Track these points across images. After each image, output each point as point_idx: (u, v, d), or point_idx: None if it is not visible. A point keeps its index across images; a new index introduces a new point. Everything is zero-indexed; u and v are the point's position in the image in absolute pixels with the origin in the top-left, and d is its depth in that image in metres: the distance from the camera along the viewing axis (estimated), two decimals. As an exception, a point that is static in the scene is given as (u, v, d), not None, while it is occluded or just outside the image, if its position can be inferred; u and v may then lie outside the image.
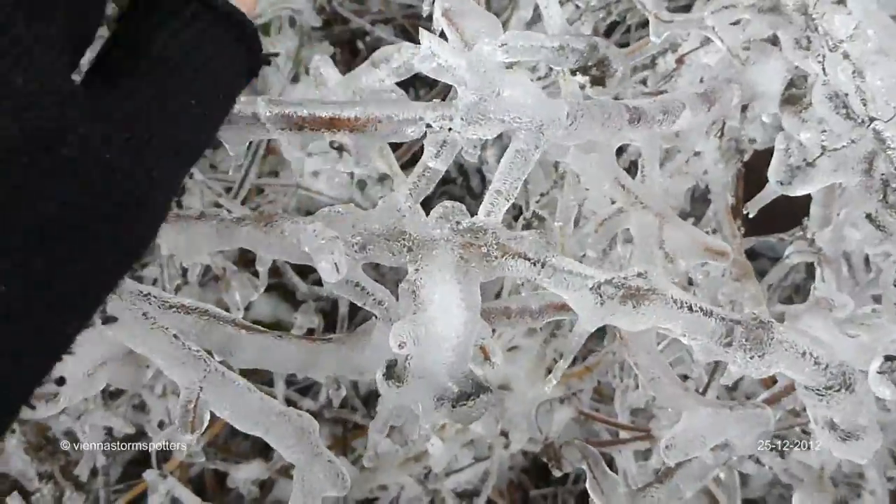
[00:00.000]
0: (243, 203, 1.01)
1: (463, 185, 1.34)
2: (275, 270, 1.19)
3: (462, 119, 0.40)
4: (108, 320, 0.38)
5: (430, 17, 0.48)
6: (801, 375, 0.41)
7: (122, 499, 0.93)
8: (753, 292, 0.60)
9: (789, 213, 0.75)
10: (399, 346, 0.37)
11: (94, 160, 0.28)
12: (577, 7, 0.74)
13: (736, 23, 0.59)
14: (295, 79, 1.16)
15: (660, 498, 0.51)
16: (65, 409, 0.43)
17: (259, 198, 1.12)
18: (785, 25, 0.51)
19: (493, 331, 0.69)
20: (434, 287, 0.38)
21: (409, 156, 0.91)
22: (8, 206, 0.25)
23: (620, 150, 0.82)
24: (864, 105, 0.45)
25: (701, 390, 0.72)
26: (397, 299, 0.41)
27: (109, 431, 0.92)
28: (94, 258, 0.29)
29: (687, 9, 0.79)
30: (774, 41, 0.56)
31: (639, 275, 0.38)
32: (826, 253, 0.65)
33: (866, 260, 0.69)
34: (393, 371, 0.38)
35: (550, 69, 0.72)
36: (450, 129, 0.41)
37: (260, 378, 1.03)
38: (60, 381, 0.39)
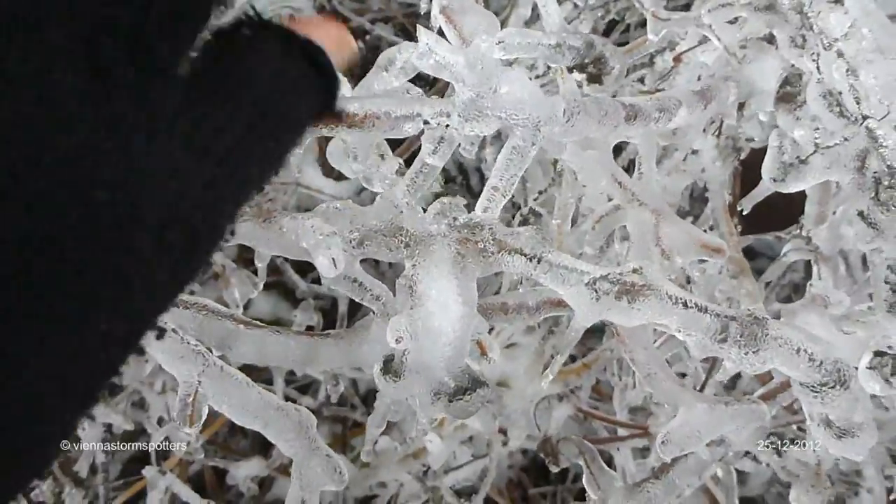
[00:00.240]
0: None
1: (462, 183, 1.34)
2: (274, 269, 1.19)
3: (459, 116, 0.40)
4: (161, 335, 0.38)
5: (428, 15, 0.48)
6: (796, 372, 0.42)
7: (121, 496, 0.93)
8: (750, 289, 0.60)
9: (787, 210, 0.75)
10: (396, 340, 0.37)
11: (174, 183, 0.27)
12: (576, 6, 0.74)
13: (733, 21, 0.60)
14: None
15: (656, 493, 0.51)
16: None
17: (259, 195, 1.12)
18: (781, 24, 0.52)
19: (492, 329, 0.69)
20: (431, 282, 0.38)
21: (409, 154, 0.91)
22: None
23: (619, 149, 0.83)
24: (858, 103, 0.46)
25: (698, 387, 0.73)
26: (395, 295, 0.41)
27: (109, 428, 0.92)
28: (153, 280, 0.28)
29: (686, 7, 0.79)
30: (771, 39, 0.56)
31: (634, 271, 0.39)
32: (822, 251, 0.65)
33: (864, 258, 0.70)
34: (390, 366, 0.38)
35: (548, 67, 0.72)
36: (447, 126, 0.41)
37: (259, 376, 1.03)
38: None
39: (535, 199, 0.71)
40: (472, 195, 1.39)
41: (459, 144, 0.45)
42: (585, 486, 0.52)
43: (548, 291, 0.47)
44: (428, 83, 1.21)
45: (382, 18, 1.38)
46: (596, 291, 0.38)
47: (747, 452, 0.67)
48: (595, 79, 0.51)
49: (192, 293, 0.50)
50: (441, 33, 0.44)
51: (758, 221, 0.83)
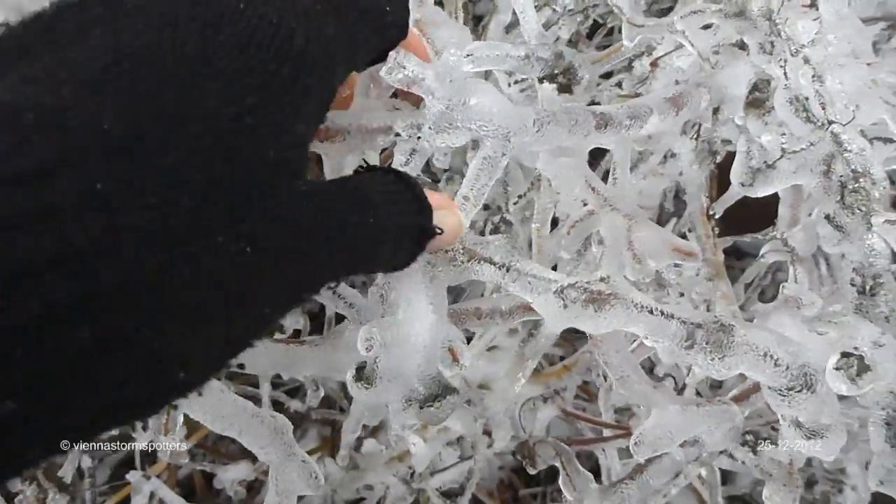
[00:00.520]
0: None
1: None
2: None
3: (430, 128, 0.41)
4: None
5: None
6: (762, 376, 0.42)
7: (108, 501, 0.94)
8: (725, 291, 0.61)
9: (767, 212, 0.76)
10: (366, 349, 0.38)
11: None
12: (555, 11, 0.74)
13: (709, 27, 0.61)
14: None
15: (630, 494, 0.52)
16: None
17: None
18: (750, 30, 0.53)
19: (472, 335, 0.70)
20: (401, 291, 0.39)
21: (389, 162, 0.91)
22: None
23: (602, 154, 0.83)
24: (823, 108, 0.46)
25: (679, 389, 0.73)
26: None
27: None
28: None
29: (669, 11, 0.80)
30: (743, 46, 0.57)
31: (602, 279, 0.39)
32: (799, 252, 0.66)
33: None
34: (362, 373, 0.39)
35: (528, 73, 0.73)
36: (419, 138, 0.42)
37: (246, 379, 1.04)
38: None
39: (514, 203, 0.72)
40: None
41: (433, 155, 0.46)
42: (562, 488, 0.52)
43: (520, 297, 0.47)
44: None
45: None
46: (564, 300, 0.39)
47: (723, 450, 0.67)
48: (565, 89, 0.52)
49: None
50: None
51: (737, 223, 0.84)
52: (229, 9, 0.29)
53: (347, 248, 0.33)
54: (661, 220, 0.97)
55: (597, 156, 0.67)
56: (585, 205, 0.54)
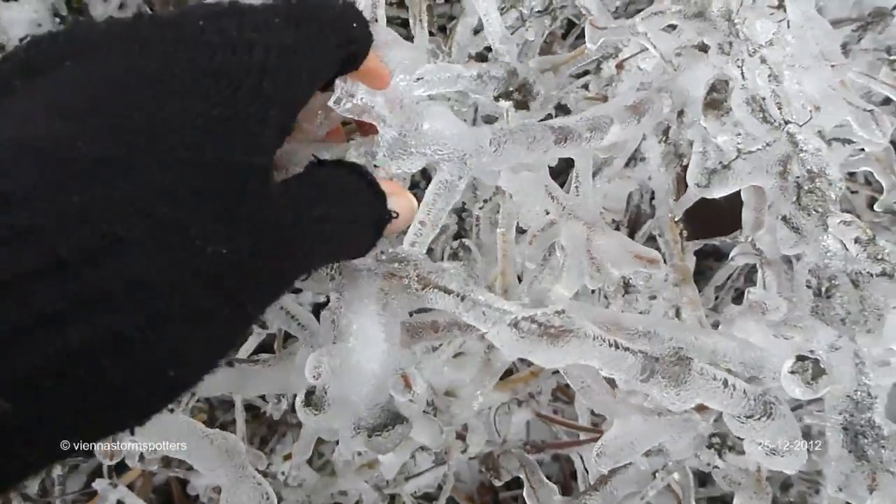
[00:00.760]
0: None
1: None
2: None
3: (384, 155, 0.40)
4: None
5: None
6: (721, 406, 0.41)
7: (79, 510, 0.93)
8: (691, 296, 0.61)
9: (735, 214, 0.76)
10: (314, 376, 0.37)
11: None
12: (521, 14, 0.74)
13: (672, 29, 0.60)
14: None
15: (595, 505, 0.51)
16: None
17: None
18: (710, 31, 0.52)
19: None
20: (353, 317, 0.38)
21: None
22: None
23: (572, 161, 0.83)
24: (780, 109, 0.46)
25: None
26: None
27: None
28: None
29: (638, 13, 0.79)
30: (705, 48, 0.56)
31: (557, 312, 0.39)
32: (766, 255, 0.65)
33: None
34: (311, 398, 0.38)
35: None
36: (375, 166, 0.41)
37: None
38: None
39: (480, 208, 0.71)
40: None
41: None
42: (526, 500, 0.52)
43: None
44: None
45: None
46: (518, 332, 0.38)
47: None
48: (522, 105, 0.51)
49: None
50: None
51: (714, 226, 0.83)
52: (190, 29, 0.31)
53: (318, 240, 0.35)
54: (638, 223, 0.97)
55: (570, 162, 0.66)
56: (548, 213, 0.54)
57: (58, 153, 0.26)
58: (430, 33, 0.80)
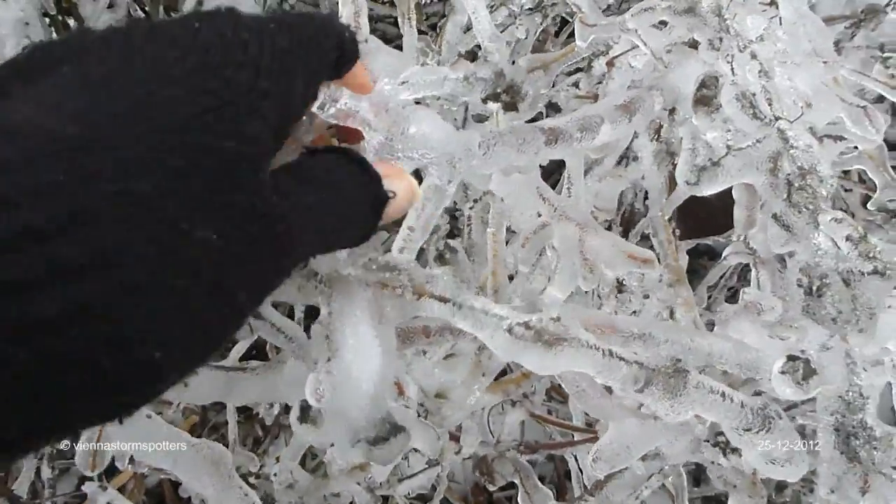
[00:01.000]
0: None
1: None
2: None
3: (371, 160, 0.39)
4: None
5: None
6: (718, 418, 0.41)
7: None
8: (686, 297, 0.60)
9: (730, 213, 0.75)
10: (317, 400, 0.36)
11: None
12: (511, 11, 0.73)
13: (663, 26, 0.59)
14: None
15: (589, 510, 0.51)
16: None
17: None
18: (700, 27, 0.51)
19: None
20: (347, 331, 0.38)
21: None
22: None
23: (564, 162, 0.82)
24: (770, 105, 0.45)
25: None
26: (308, 336, 0.40)
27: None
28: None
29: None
30: (695, 44, 0.56)
31: (552, 319, 0.38)
32: (760, 254, 0.65)
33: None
34: (307, 414, 0.38)
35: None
36: None
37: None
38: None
39: (471, 208, 0.70)
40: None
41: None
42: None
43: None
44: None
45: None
46: (514, 337, 0.37)
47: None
48: (510, 107, 0.51)
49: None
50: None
51: (702, 226, 0.83)
52: (185, 28, 0.32)
53: (313, 227, 0.34)
54: (631, 223, 0.96)
55: (562, 162, 0.65)
56: (540, 215, 0.53)
57: (37, 132, 0.26)
58: (422, 32, 0.79)
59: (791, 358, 0.42)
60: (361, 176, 0.38)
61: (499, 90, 0.50)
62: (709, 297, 0.93)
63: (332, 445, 0.39)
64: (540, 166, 0.55)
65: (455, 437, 0.83)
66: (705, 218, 0.74)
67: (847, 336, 0.47)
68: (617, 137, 0.51)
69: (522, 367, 0.77)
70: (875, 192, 0.71)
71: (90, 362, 0.25)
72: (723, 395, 0.39)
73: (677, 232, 0.65)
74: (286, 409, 1.08)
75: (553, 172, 0.85)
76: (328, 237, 0.36)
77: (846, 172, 0.89)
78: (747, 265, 0.72)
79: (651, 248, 0.67)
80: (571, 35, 1.07)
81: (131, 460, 0.77)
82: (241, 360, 0.56)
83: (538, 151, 0.44)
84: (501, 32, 0.68)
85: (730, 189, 0.56)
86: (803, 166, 0.47)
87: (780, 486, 0.89)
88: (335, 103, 0.38)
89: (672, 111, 0.59)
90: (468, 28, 0.81)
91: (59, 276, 0.24)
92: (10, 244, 0.24)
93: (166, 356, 0.27)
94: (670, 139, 0.64)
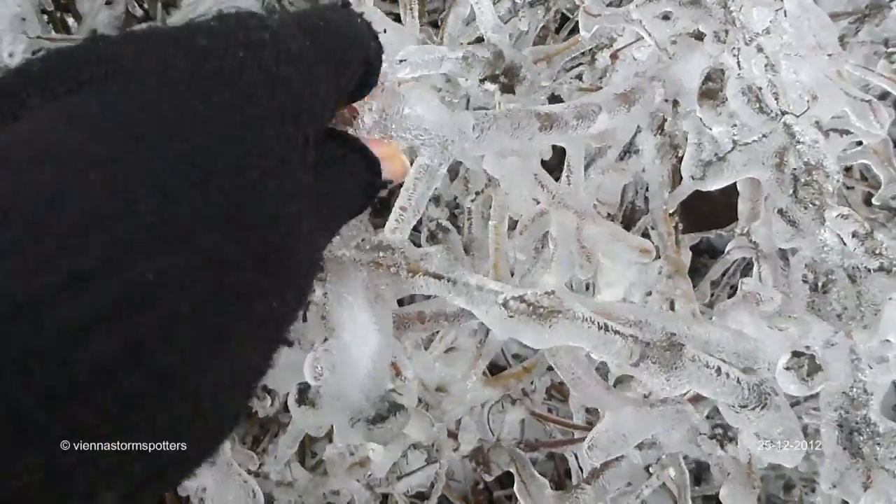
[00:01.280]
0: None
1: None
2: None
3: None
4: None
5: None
6: (714, 394, 0.40)
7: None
8: (685, 289, 0.60)
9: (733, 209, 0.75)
10: (315, 378, 0.36)
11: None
12: (514, 3, 0.73)
13: (668, 17, 0.59)
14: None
15: (586, 499, 0.50)
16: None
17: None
18: (706, 18, 0.51)
19: (434, 334, 0.68)
20: (343, 312, 0.37)
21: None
22: None
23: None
24: (777, 99, 0.45)
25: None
26: (304, 320, 0.40)
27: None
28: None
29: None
30: (701, 36, 0.55)
31: (547, 293, 0.38)
32: (763, 248, 0.64)
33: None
34: (305, 396, 0.38)
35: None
36: None
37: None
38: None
39: (472, 201, 0.70)
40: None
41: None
42: (517, 494, 0.51)
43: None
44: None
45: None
46: (508, 311, 0.37)
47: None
48: (508, 89, 0.50)
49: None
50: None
51: (705, 221, 0.82)
52: (227, 62, 0.31)
53: (325, 220, 0.34)
54: (633, 218, 0.96)
55: (563, 159, 0.65)
56: (538, 203, 0.53)
57: (70, 156, 0.25)
58: (423, 26, 0.78)
59: (796, 354, 0.42)
60: (362, 163, 0.37)
61: (497, 72, 0.50)
62: (711, 295, 0.92)
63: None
64: (542, 162, 0.55)
65: (453, 435, 0.83)
66: (708, 214, 0.73)
67: (852, 332, 0.47)
68: (615, 126, 0.50)
69: (522, 363, 0.77)
70: (877, 189, 0.71)
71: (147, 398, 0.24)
72: (718, 370, 0.38)
73: (680, 226, 0.65)
74: (284, 406, 1.07)
75: (554, 169, 0.84)
76: (333, 227, 0.36)
77: (848, 169, 0.89)
78: (750, 262, 0.72)
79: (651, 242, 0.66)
80: (572, 32, 1.07)
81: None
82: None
83: (532, 136, 0.43)
84: (504, 24, 0.68)
85: (733, 185, 0.56)
86: (810, 162, 0.46)
87: (788, 486, 0.88)
88: None
89: (676, 104, 0.59)
90: (470, 21, 0.81)
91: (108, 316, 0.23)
92: (69, 283, 0.23)
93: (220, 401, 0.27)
94: (674, 132, 0.63)
